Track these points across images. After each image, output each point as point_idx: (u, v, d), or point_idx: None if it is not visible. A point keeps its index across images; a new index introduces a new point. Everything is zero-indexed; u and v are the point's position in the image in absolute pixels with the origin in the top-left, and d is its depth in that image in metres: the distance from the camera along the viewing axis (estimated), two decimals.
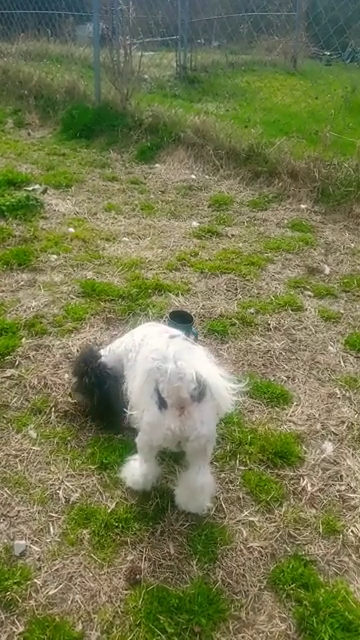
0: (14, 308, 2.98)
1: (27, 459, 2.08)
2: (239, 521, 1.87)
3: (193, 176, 5.24)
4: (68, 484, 1.98)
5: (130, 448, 1.97)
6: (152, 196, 4.79)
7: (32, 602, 1.60)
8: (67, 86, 7.09)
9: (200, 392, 1.61)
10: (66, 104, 6.89)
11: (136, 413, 1.85)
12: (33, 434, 2.19)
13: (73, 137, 6.33)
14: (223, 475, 2.04)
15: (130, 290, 3.18)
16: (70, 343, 2.70)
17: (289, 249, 3.85)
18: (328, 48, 10.36)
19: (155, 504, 1.90)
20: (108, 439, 2.17)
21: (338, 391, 2.49)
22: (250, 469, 2.06)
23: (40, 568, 1.70)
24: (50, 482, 1.98)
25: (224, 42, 10.52)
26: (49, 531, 1.81)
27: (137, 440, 1.84)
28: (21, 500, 1.92)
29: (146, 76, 8.18)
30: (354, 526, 1.86)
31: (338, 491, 1.99)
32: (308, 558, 1.76)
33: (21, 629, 1.53)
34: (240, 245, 3.91)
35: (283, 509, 1.91)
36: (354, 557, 1.77)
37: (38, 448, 2.13)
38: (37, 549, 1.76)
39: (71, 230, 3.99)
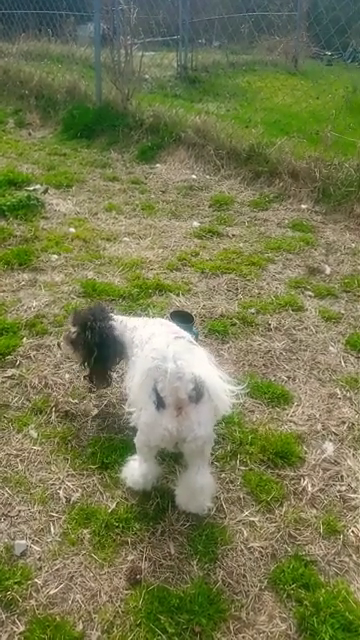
0: (15, 308, 2.98)
1: (28, 459, 2.08)
2: (240, 521, 1.87)
3: (194, 176, 5.25)
4: (69, 484, 1.98)
5: (130, 448, 1.97)
6: (153, 196, 4.79)
7: (33, 602, 1.60)
8: (68, 86, 7.09)
9: (198, 393, 1.61)
10: (67, 104, 6.89)
11: (135, 412, 1.85)
12: (34, 434, 2.19)
13: (74, 137, 6.33)
14: (224, 475, 2.04)
15: (131, 290, 3.18)
16: None
17: (290, 249, 3.85)
18: (329, 48, 10.36)
19: (155, 504, 1.90)
20: (109, 439, 2.17)
21: (339, 391, 2.49)
22: (251, 469, 2.06)
23: (41, 568, 1.70)
24: (51, 482, 1.99)
25: (225, 42, 10.52)
26: (50, 531, 1.81)
27: (136, 440, 1.84)
28: (22, 500, 1.92)
29: (147, 76, 8.18)
30: (354, 526, 1.86)
31: (339, 491, 1.99)
32: (309, 558, 1.76)
33: (22, 628, 1.54)
34: (241, 245, 3.91)
35: (284, 509, 1.91)
36: (354, 557, 1.77)
37: (39, 448, 2.13)
38: (38, 549, 1.76)
39: (72, 230, 3.99)
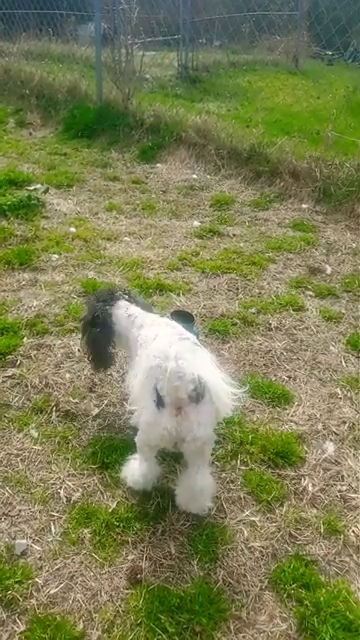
0: (15, 307, 2.98)
1: (28, 458, 2.08)
2: (240, 521, 1.87)
3: (194, 176, 5.24)
4: (69, 483, 1.98)
5: (131, 448, 1.97)
6: (153, 196, 4.79)
7: (33, 601, 1.60)
8: (69, 86, 7.09)
9: (199, 393, 1.61)
10: (67, 104, 6.90)
11: (135, 411, 1.85)
12: (34, 433, 2.19)
13: (74, 137, 6.33)
14: (224, 475, 2.04)
15: (131, 290, 3.18)
16: (71, 343, 2.70)
17: (290, 249, 3.85)
18: (330, 48, 10.35)
19: (156, 504, 1.90)
20: (109, 439, 2.17)
21: (339, 391, 2.49)
22: (251, 469, 2.06)
23: (41, 567, 1.70)
24: (51, 481, 1.99)
25: (226, 42, 10.51)
26: (50, 530, 1.81)
27: (136, 439, 1.84)
28: (22, 499, 1.92)
29: (147, 76, 8.18)
30: (355, 526, 1.86)
31: (339, 491, 1.99)
32: (309, 558, 1.76)
33: (22, 628, 1.54)
34: (241, 245, 3.91)
35: (284, 509, 1.91)
36: (355, 557, 1.77)
37: (39, 447, 2.13)
38: (38, 548, 1.76)
39: (72, 230, 3.99)
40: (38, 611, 1.58)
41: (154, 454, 1.84)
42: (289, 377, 2.58)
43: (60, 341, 2.72)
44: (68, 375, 2.50)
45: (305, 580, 1.68)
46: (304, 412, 2.36)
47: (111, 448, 2.11)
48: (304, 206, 4.58)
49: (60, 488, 1.96)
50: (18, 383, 2.44)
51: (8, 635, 1.52)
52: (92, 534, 1.80)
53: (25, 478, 2.00)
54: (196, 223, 4.24)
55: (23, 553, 1.74)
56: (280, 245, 3.90)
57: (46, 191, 4.61)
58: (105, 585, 1.66)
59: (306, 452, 2.15)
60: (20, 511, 1.88)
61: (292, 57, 10.10)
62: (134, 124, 6.02)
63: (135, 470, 1.89)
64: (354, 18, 7.35)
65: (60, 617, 1.56)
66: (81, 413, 2.30)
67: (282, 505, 1.93)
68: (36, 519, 1.85)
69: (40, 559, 1.73)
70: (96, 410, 2.32)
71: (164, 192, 4.89)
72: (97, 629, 1.54)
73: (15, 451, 2.11)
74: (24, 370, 2.51)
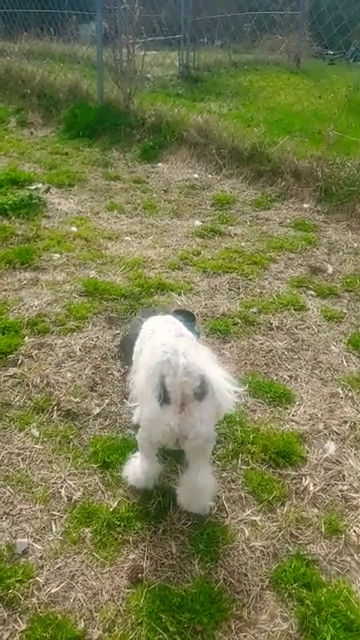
0: (17, 307, 2.98)
1: (29, 457, 2.08)
2: (241, 520, 1.87)
3: (196, 175, 5.24)
4: (70, 483, 1.98)
5: (132, 447, 1.98)
6: (155, 195, 4.79)
7: (34, 600, 1.60)
8: (70, 85, 7.09)
9: (202, 390, 1.61)
10: (69, 103, 6.89)
11: (137, 407, 1.84)
12: (35, 432, 2.19)
13: (76, 136, 6.33)
14: (225, 474, 2.04)
15: (132, 289, 3.18)
16: (72, 342, 2.70)
17: (292, 248, 3.85)
18: (331, 47, 10.33)
19: (157, 503, 1.90)
20: (110, 438, 2.17)
21: (340, 391, 2.49)
22: (252, 468, 2.06)
23: (42, 566, 1.70)
24: (52, 481, 1.99)
25: (227, 41, 10.51)
26: (51, 529, 1.82)
27: (137, 437, 1.84)
28: (23, 498, 1.92)
29: (149, 75, 8.17)
30: (356, 526, 1.86)
31: (340, 491, 1.99)
32: (310, 558, 1.75)
33: (23, 627, 1.54)
34: (243, 244, 3.91)
35: (285, 508, 1.91)
36: (356, 557, 1.77)
37: (40, 447, 2.13)
38: (39, 547, 1.76)
39: (73, 229, 3.99)
40: (39, 610, 1.58)
41: (155, 452, 1.84)
42: (290, 377, 2.57)
43: (61, 340, 2.72)
44: (69, 374, 2.50)
45: (306, 580, 1.68)
46: (305, 412, 2.36)
47: (112, 447, 2.11)
48: (305, 206, 4.57)
49: (61, 487, 1.96)
50: (19, 382, 2.44)
51: (9, 634, 1.52)
52: (93, 533, 1.80)
53: (26, 477, 2.00)
54: (197, 222, 4.24)
55: (24, 552, 1.74)
56: (281, 245, 3.90)
57: (47, 190, 4.61)
58: (106, 584, 1.66)
59: (307, 452, 2.15)
60: (21, 510, 1.88)
61: (294, 56, 10.08)
62: (135, 123, 6.02)
63: (136, 468, 1.89)
64: (356, 18, 7.34)
65: (61, 616, 1.56)
66: (82, 412, 2.30)
67: (283, 505, 1.93)
68: (37, 518, 1.85)
69: (41, 558, 1.73)
70: (97, 409, 2.32)
71: (165, 191, 4.89)
72: (98, 628, 1.54)
73: (16, 450, 2.11)
74: (25, 369, 2.51)
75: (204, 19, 9.90)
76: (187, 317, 2.61)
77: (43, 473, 2.02)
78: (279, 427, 2.26)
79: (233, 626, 1.56)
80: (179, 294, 3.19)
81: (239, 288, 3.31)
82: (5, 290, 3.16)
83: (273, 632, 1.55)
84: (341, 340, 2.86)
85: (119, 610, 1.59)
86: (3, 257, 3.48)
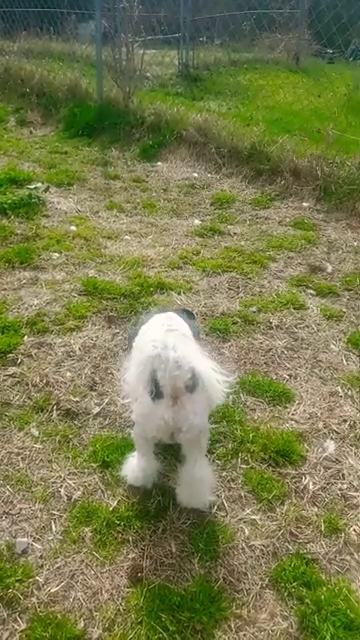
0: (16, 306, 2.98)
1: (29, 457, 2.08)
2: (241, 519, 1.87)
3: (195, 174, 5.24)
4: (70, 482, 1.98)
5: (131, 446, 1.97)
6: (154, 194, 4.79)
7: (34, 599, 1.60)
8: (69, 84, 7.07)
9: (194, 383, 1.63)
10: (68, 102, 6.88)
11: (132, 403, 1.85)
12: (35, 432, 2.19)
13: (75, 135, 6.32)
14: (225, 473, 2.04)
15: (132, 288, 3.18)
16: (72, 341, 2.70)
17: (291, 247, 3.85)
18: (331, 46, 10.31)
19: (157, 502, 1.90)
20: (110, 437, 2.17)
21: (340, 389, 2.49)
22: (252, 467, 2.06)
23: (42, 566, 1.70)
24: (52, 480, 1.99)
25: (226, 40, 10.49)
26: (51, 529, 1.82)
27: (133, 434, 1.85)
28: (23, 498, 1.92)
29: (148, 74, 8.17)
30: (356, 524, 1.86)
31: (340, 490, 1.99)
32: (310, 556, 1.75)
33: (23, 626, 1.54)
34: (242, 243, 3.91)
35: (285, 507, 1.91)
36: (356, 556, 1.77)
37: (40, 446, 2.13)
38: (39, 547, 1.76)
39: (73, 228, 3.99)
40: (39, 609, 1.58)
41: (151, 448, 1.85)
42: (290, 375, 2.57)
43: (61, 340, 2.72)
44: (69, 374, 2.50)
45: (306, 578, 1.68)
46: (305, 410, 2.35)
47: (112, 447, 2.11)
48: (305, 204, 4.57)
49: (61, 487, 1.96)
50: (19, 382, 2.44)
51: (9, 634, 1.52)
52: (93, 533, 1.80)
53: (26, 477, 2.00)
54: (197, 222, 4.24)
55: (24, 552, 1.74)
56: (281, 243, 3.89)
57: (47, 190, 4.60)
58: (106, 584, 1.66)
59: (307, 450, 2.15)
60: (21, 510, 1.88)
61: (293, 55, 10.07)
62: (135, 122, 6.01)
63: (134, 466, 1.89)
64: (355, 16, 7.32)
65: (61, 616, 1.56)
66: (82, 412, 2.30)
67: (283, 504, 1.93)
68: (37, 518, 1.85)
69: (41, 558, 1.73)
70: (97, 409, 2.32)
71: (165, 191, 4.89)
72: (98, 628, 1.54)
73: (16, 450, 2.11)
74: (25, 369, 2.51)
75: (203, 18, 9.88)
76: (186, 316, 2.61)
77: (43, 472, 2.02)
78: (279, 426, 2.26)
79: (233, 625, 1.56)
80: (179, 293, 3.19)
81: (238, 287, 3.31)
82: (4, 289, 3.16)
83: (273, 631, 1.55)
84: (341, 339, 2.86)
85: (119, 609, 1.59)
86: (2, 256, 3.48)
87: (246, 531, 1.83)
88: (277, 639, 1.54)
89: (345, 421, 2.31)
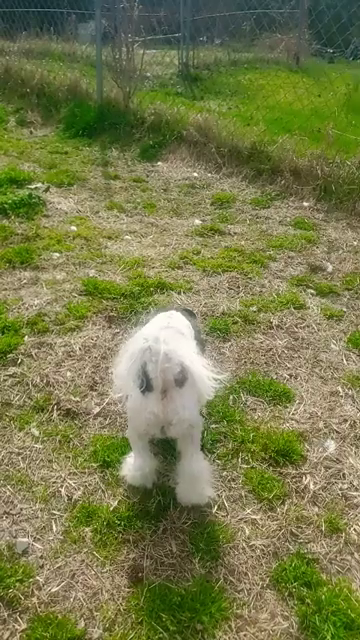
0: (16, 306, 2.98)
1: (29, 457, 2.08)
2: (241, 519, 1.87)
3: (195, 174, 5.24)
4: (70, 482, 1.98)
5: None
6: (154, 194, 4.79)
7: (34, 599, 1.60)
8: (69, 84, 7.08)
9: (183, 377, 1.64)
10: (68, 102, 6.89)
11: (121, 398, 1.86)
12: (35, 432, 2.19)
13: (75, 135, 6.32)
14: (225, 473, 2.03)
15: (132, 288, 3.18)
16: (72, 341, 2.70)
17: (292, 247, 3.85)
18: (331, 45, 10.30)
19: (157, 502, 1.90)
20: (110, 437, 2.17)
21: (341, 389, 2.49)
22: (252, 467, 2.06)
23: (42, 566, 1.70)
24: (52, 480, 1.99)
25: (226, 40, 10.50)
26: (51, 529, 1.81)
27: (127, 433, 1.85)
28: (23, 498, 1.92)
29: (148, 74, 8.17)
30: (357, 524, 1.86)
31: (340, 489, 1.99)
32: (310, 556, 1.75)
33: (23, 626, 1.54)
34: (242, 243, 3.90)
35: (285, 507, 1.91)
36: (357, 555, 1.77)
37: (40, 446, 2.13)
38: (39, 547, 1.76)
39: (73, 228, 3.99)
40: (39, 609, 1.58)
41: (146, 445, 1.85)
42: (290, 375, 2.57)
43: (61, 340, 2.72)
44: (69, 374, 2.49)
45: (306, 578, 1.67)
46: (305, 410, 2.35)
47: (112, 446, 2.11)
48: (305, 204, 4.57)
49: (61, 487, 1.96)
50: (19, 382, 2.44)
51: (9, 633, 1.52)
52: (93, 533, 1.80)
53: (26, 477, 2.00)
54: (197, 221, 4.24)
55: (24, 552, 1.74)
56: (281, 243, 3.89)
57: (47, 190, 4.60)
58: (106, 584, 1.66)
59: (307, 450, 2.15)
60: (21, 510, 1.88)
61: (293, 55, 10.07)
62: (135, 122, 6.02)
63: (131, 466, 1.90)
64: (355, 16, 7.31)
65: (61, 616, 1.56)
66: (82, 412, 2.30)
67: (283, 503, 1.93)
68: (37, 518, 1.85)
69: (41, 557, 1.73)
70: (97, 409, 2.32)
71: (165, 190, 4.88)
72: (98, 627, 1.54)
73: (16, 450, 2.11)
74: (25, 369, 2.51)
75: (203, 18, 9.88)
76: (187, 315, 2.61)
77: (43, 472, 2.02)
78: (279, 426, 2.26)
79: (233, 625, 1.56)
80: (179, 293, 3.18)
81: (239, 287, 3.31)
82: (5, 289, 3.16)
83: (273, 631, 1.55)
84: (341, 338, 2.86)
85: (119, 609, 1.59)
86: (3, 256, 3.48)
87: (247, 531, 1.83)
88: (278, 639, 1.54)
89: (345, 421, 2.30)
